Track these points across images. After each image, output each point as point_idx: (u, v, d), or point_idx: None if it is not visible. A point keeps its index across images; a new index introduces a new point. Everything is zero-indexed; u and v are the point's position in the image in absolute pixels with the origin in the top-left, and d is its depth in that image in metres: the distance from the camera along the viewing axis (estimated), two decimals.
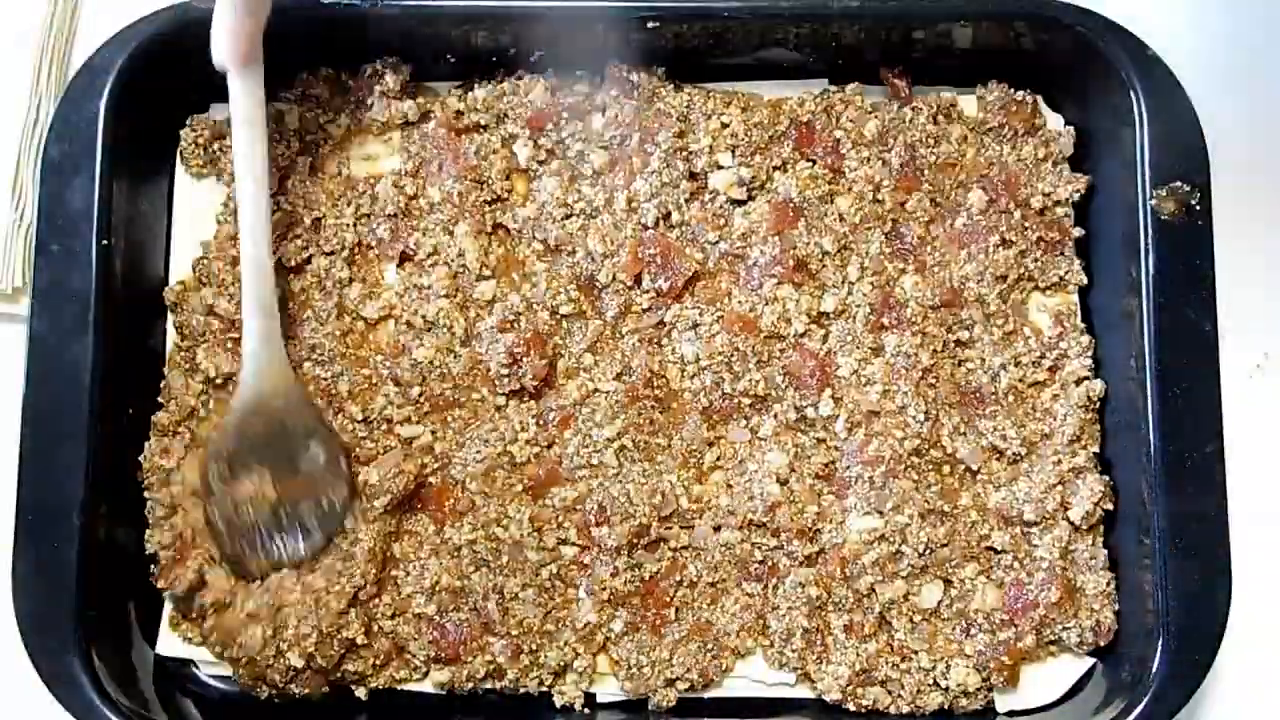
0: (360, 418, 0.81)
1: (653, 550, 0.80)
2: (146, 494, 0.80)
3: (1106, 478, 0.80)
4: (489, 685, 0.80)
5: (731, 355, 0.80)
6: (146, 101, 0.79)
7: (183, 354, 0.82)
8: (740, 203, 0.83)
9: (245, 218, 0.76)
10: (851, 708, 0.79)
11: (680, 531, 0.80)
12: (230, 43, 0.74)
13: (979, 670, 0.79)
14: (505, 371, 0.80)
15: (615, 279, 0.81)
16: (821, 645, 0.79)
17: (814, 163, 0.83)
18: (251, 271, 0.77)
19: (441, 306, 0.81)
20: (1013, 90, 0.84)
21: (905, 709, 0.79)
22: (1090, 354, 0.82)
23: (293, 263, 0.82)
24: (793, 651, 0.79)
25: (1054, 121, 0.85)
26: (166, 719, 0.77)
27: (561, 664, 0.79)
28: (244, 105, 0.76)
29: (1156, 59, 0.78)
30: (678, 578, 0.80)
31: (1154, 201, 0.77)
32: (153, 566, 0.79)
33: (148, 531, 0.80)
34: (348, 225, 0.83)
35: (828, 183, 0.83)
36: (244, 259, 0.77)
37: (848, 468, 0.80)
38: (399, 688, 0.80)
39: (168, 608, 0.80)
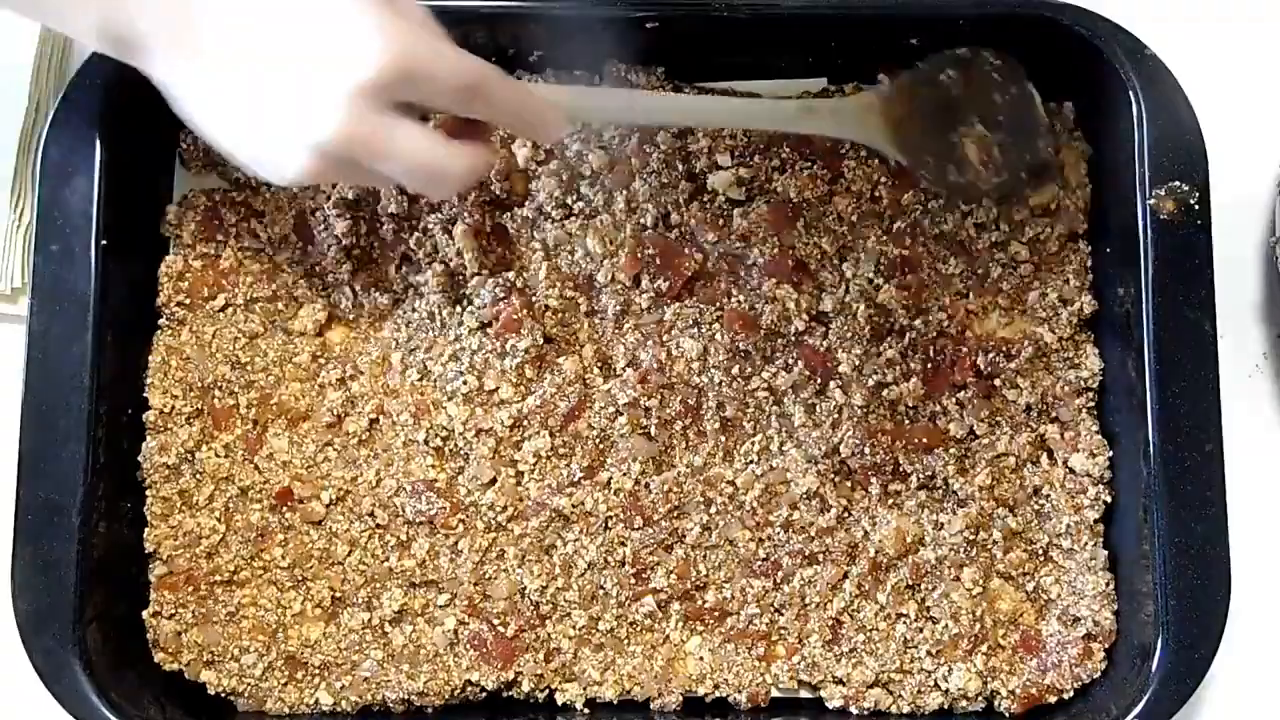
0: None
1: (669, 550, 0.80)
2: (147, 493, 0.80)
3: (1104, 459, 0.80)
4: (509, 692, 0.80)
5: (734, 353, 0.81)
6: (146, 101, 0.79)
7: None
8: (739, 203, 0.83)
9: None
10: (854, 710, 0.80)
11: (696, 528, 0.80)
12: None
13: (981, 675, 0.79)
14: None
15: (614, 279, 0.82)
16: (841, 651, 0.79)
17: (813, 163, 0.83)
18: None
19: (434, 301, 0.81)
20: None
21: (905, 709, 0.80)
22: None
23: None
24: (808, 657, 0.79)
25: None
26: (165, 718, 0.77)
27: (580, 670, 0.80)
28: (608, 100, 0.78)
29: (1156, 59, 0.78)
30: (693, 578, 0.80)
31: (1153, 201, 0.77)
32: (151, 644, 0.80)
33: (147, 530, 0.80)
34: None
35: (826, 183, 0.83)
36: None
37: (862, 464, 0.80)
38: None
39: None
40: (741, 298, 0.82)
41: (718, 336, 0.81)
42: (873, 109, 0.78)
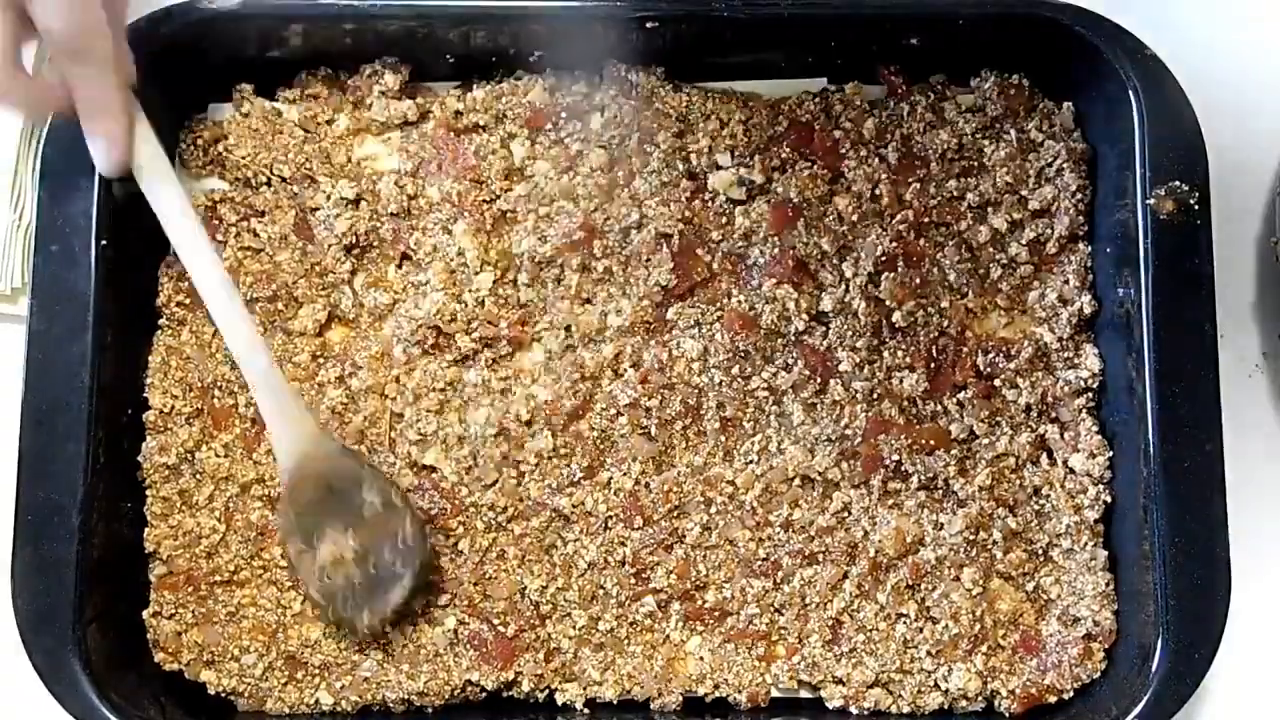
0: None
1: (669, 550, 0.80)
2: (147, 493, 0.80)
3: (1104, 460, 0.80)
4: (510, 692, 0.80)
5: (734, 353, 0.81)
6: (146, 102, 0.79)
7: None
8: (740, 203, 0.83)
9: (217, 311, 0.77)
10: (854, 710, 0.80)
11: (696, 528, 0.80)
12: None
13: (981, 675, 0.79)
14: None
15: None
16: (841, 651, 0.79)
17: (813, 163, 0.83)
18: (244, 357, 0.77)
19: (436, 300, 0.81)
20: (1008, 75, 0.84)
21: (905, 709, 0.80)
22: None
23: None
24: (808, 657, 0.79)
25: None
26: (165, 718, 0.77)
27: (580, 669, 0.80)
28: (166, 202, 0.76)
29: (1155, 59, 0.78)
30: (693, 578, 0.80)
31: (1152, 201, 0.77)
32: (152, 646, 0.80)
33: (147, 530, 0.80)
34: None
35: (827, 183, 0.83)
36: (232, 349, 0.77)
37: (864, 452, 0.80)
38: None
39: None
40: (742, 298, 0.82)
41: (718, 336, 0.81)
42: (303, 459, 0.78)
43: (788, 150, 0.83)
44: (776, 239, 0.82)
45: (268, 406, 0.78)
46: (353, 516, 0.78)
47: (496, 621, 0.80)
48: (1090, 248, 0.83)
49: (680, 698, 0.80)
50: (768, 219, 0.82)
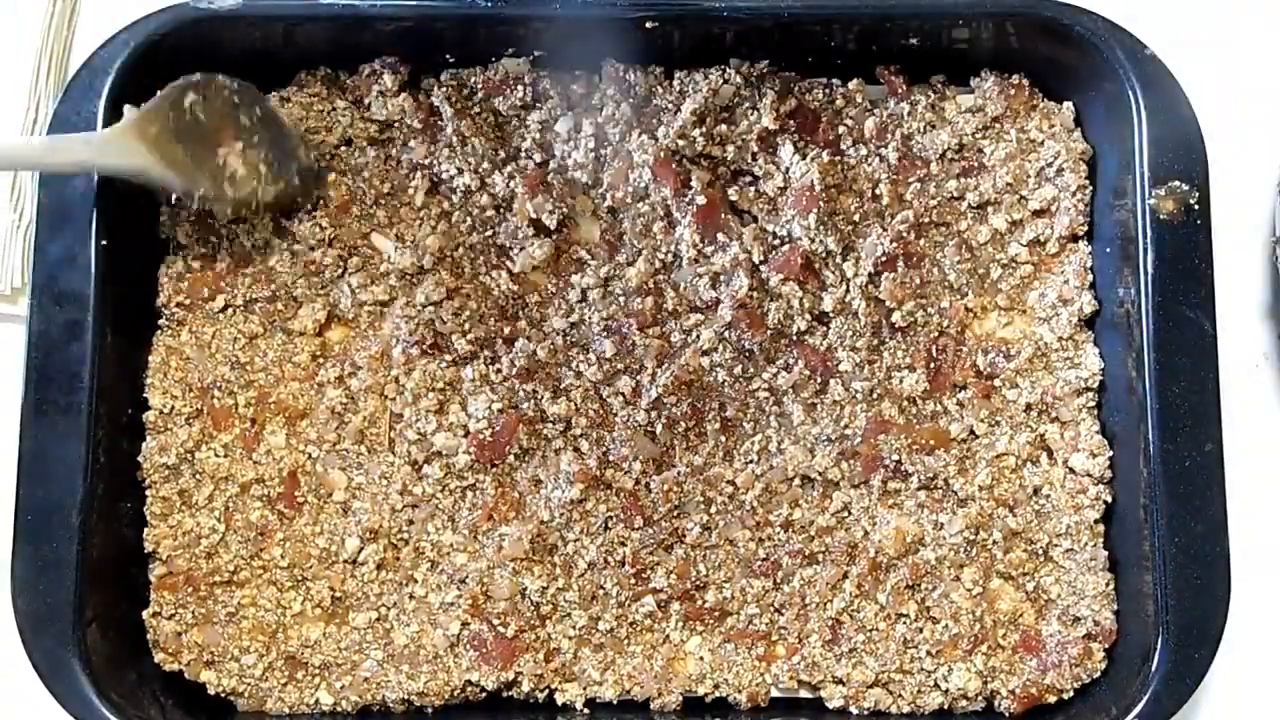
0: None
1: (669, 550, 0.80)
2: (147, 493, 0.80)
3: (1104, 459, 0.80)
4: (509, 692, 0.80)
5: (739, 352, 0.80)
6: (146, 102, 0.79)
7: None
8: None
9: None
10: (854, 710, 0.80)
11: (696, 528, 0.80)
12: None
13: (981, 675, 0.79)
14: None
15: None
16: (840, 651, 0.79)
17: (820, 149, 0.83)
18: None
19: None
20: (1008, 75, 0.84)
21: (905, 709, 0.80)
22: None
23: None
24: (808, 657, 0.79)
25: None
26: (165, 718, 0.77)
27: (580, 669, 0.80)
28: None
29: (1155, 58, 0.78)
30: (693, 577, 0.80)
31: (1153, 201, 0.77)
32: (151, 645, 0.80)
33: (147, 530, 0.80)
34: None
35: (833, 179, 0.83)
36: None
37: (865, 452, 0.80)
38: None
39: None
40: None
41: (726, 334, 0.81)
42: (128, 135, 0.76)
43: (795, 135, 0.83)
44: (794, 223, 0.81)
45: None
46: (209, 133, 0.78)
47: (497, 622, 0.80)
48: (1090, 247, 0.83)
49: (680, 698, 0.80)
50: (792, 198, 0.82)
